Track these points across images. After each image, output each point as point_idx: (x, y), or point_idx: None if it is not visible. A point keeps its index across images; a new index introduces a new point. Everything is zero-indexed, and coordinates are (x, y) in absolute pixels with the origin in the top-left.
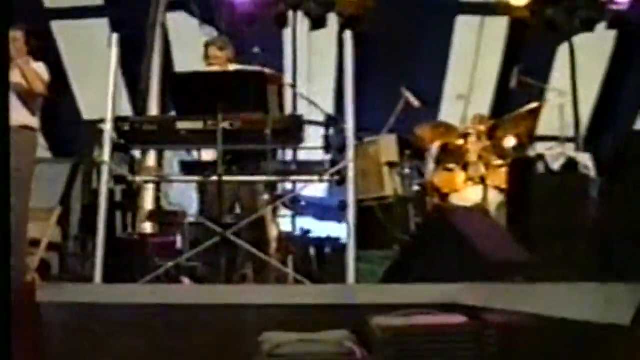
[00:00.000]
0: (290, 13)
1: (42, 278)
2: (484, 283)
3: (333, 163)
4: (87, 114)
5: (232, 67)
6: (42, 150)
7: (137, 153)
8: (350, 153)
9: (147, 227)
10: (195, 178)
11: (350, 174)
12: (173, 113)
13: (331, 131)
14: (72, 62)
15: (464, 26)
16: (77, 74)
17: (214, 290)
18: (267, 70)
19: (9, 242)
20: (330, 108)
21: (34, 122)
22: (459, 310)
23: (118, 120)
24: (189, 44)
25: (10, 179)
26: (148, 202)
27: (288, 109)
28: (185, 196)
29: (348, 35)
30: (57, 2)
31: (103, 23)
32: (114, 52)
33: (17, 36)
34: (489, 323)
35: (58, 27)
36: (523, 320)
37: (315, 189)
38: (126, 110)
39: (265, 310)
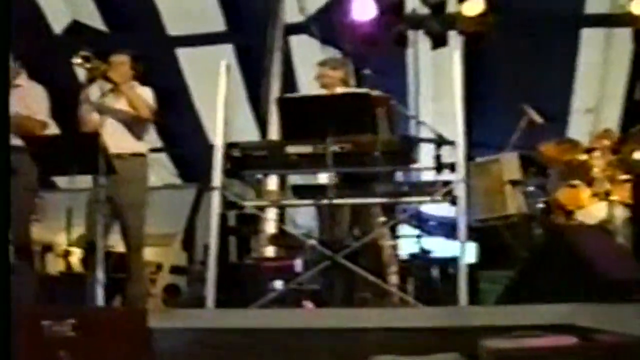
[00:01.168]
0: (411, 32)
1: (171, 302)
2: (600, 303)
3: (446, 183)
4: (213, 139)
5: (341, 89)
6: (171, 176)
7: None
8: (461, 172)
9: (269, 251)
10: (307, 202)
11: (461, 193)
12: None
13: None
14: (197, 88)
15: (589, 39)
16: (203, 100)
17: (326, 314)
18: (374, 92)
19: (8, 241)
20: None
21: (142, 147)
22: (573, 331)
23: (229, 146)
24: (312, 66)
25: (10, 180)
26: (270, 225)
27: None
28: (311, 219)
29: (457, 54)
30: (181, 29)
31: (227, 49)
32: (223, 80)
33: (123, 60)
34: (601, 345)
35: (183, 54)
36: (636, 343)
37: (443, 208)
38: (254, 135)
39: (376, 333)
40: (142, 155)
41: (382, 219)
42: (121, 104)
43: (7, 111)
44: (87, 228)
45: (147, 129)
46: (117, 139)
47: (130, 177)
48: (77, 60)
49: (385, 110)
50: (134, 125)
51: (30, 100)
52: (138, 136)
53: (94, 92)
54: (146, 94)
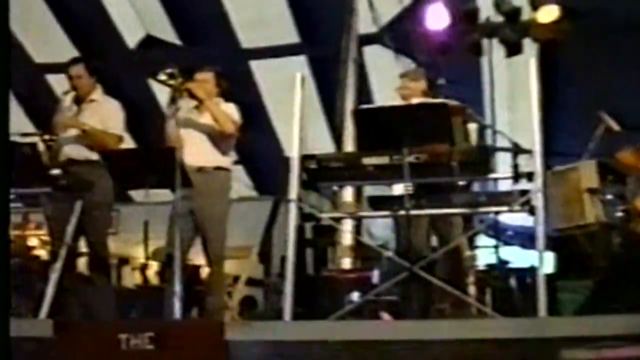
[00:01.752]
0: (485, 41)
1: (248, 314)
2: None
3: (523, 192)
4: (289, 151)
5: (416, 99)
6: (247, 189)
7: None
8: (538, 181)
9: (346, 263)
10: (384, 213)
11: (539, 202)
12: None
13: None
14: (271, 100)
15: None
16: (277, 112)
17: (403, 326)
18: (450, 102)
19: (8, 241)
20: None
21: (226, 162)
22: None
23: (306, 158)
24: (386, 76)
25: (9, 184)
26: (347, 237)
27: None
28: (388, 230)
29: (532, 61)
30: (254, 42)
31: (301, 61)
32: (298, 91)
33: (207, 78)
34: None
35: (256, 66)
36: None
37: (521, 218)
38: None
39: (454, 345)
40: (225, 169)
41: (461, 229)
42: (206, 119)
43: (7, 110)
44: (168, 241)
45: (232, 144)
46: (202, 153)
47: (213, 191)
48: (161, 77)
49: (462, 119)
50: (219, 140)
51: (105, 114)
52: (223, 151)
53: (181, 107)
54: (231, 110)
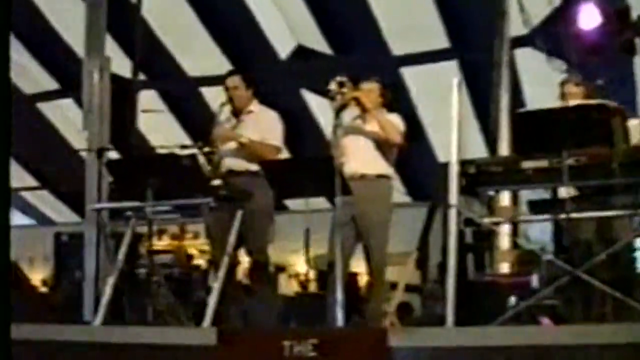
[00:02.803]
0: (638, 40)
1: (404, 320)
2: None
3: None
4: (442, 156)
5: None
6: (401, 195)
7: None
8: None
9: (504, 268)
10: (545, 216)
11: None
12: None
13: None
14: (424, 106)
15: None
16: (430, 118)
17: (565, 331)
18: (609, 102)
19: (8, 241)
20: None
21: (389, 170)
22: None
23: (464, 163)
24: (539, 79)
25: (9, 182)
26: (504, 242)
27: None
28: (545, 234)
29: None
30: (406, 48)
31: (452, 65)
32: (455, 96)
33: (372, 87)
34: None
35: (408, 73)
36: None
37: None
38: (481, 151)
39: (617, 350)
40: (388, 177)
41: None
42: (371, 128)
43: (8, 108)
44: (330, 248)
45: (395, 153)
46: (366, 161)
47: (376, 198)
48: (332, 85)
49: (621, 120)
50: (384, 148)
51: (263, 126)
52: (388, 158)
53: (345, 117)
54: (396, 120)
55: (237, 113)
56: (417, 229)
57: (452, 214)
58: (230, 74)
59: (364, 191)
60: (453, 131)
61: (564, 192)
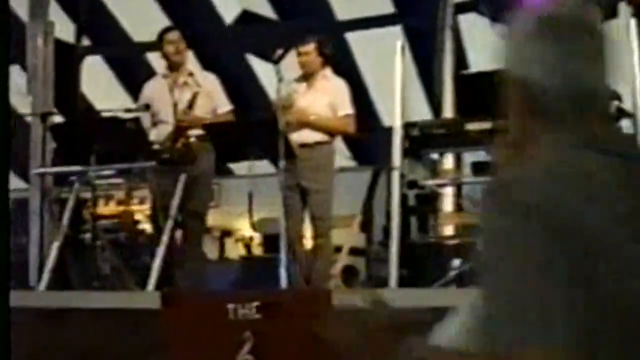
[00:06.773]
0: None
1: (349, 283)
2: None
3: None
4: (386, 120)
5: None
6: (345, 159)
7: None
8: None
9: (448, 230)
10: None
11: None
12: None
13: None
14: (368, 72)
15: None
16: (374, 83)
17: None
18: None
19: (8, 240)
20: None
21: (325, 136)
22: None
23: (407, 126)
24: (482, 44)
25: (8, 176)
26: (448, 204)
27: None
28: None
29: (632, 23)
30: (350, 13)
31: (397, 30)
32: (398, 60)
33: (309, 50)
34: None
35: (352, 38)
36: None
37: None
38: (426, 114)
39: None
40: (328, 143)
41: None
42: (314, 91)
43: (7, 106)
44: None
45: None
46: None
47: (318, 165)
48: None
49: None
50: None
51: (209, 90)
52: None
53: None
54: (341, 94)
55: None
56: (362, 192)
57: (395, 176)
58: None
59: (307, 158)
60: (396, 94)
61: None
